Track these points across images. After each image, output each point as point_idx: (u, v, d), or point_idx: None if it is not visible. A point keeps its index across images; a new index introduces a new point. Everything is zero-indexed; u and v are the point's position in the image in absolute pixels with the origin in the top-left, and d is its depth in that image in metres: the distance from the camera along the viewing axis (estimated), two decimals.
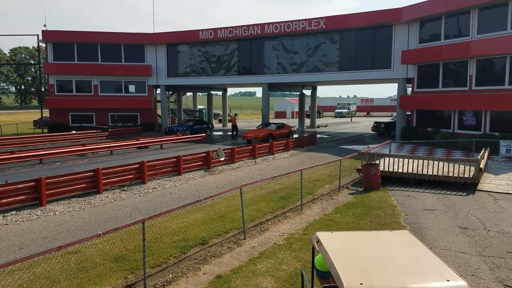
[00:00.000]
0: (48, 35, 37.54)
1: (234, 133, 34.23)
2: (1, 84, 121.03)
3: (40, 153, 20.79)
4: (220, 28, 36.41)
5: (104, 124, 37.53)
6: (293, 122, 51.71)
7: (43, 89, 71.96)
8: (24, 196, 12.04)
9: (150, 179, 16.18)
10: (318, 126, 47.09)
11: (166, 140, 28.25)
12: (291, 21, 33.35)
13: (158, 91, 41.32)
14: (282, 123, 31.48)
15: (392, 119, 36.24)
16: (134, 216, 11.41)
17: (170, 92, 43.77)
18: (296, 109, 61.61)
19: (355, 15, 31.04)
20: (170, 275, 7.54)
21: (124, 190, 14.51)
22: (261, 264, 8.04)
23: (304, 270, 5.75)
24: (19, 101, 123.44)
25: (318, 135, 31.50)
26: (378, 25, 30.26)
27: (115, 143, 25.50)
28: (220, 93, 49.87)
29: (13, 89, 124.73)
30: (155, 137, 30.12)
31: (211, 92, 48.99)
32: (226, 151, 20.22)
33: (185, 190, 14.75)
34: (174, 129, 34.00)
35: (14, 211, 11.58)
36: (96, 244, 8.53)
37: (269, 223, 10.84)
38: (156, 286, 7.12)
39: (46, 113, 42.74)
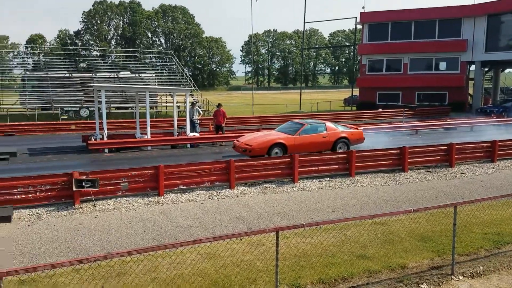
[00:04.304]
0: (365, 17, 39.93)
1: None
2: (320, 66, 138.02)
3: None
4: None
5: (410, 103, 37.36)
6: None
7: (354, 69, 77.65)
8: (337, 166, 13.38)
9: (458, 163, 15.08)
10: None
11: (477, 122, 25.65)
12: None
13: (472, 67, 37.78)
14: (323, 123, 16.73)
15: None
16: (439, 199, 11.00)
17: (486, 69, 39.27)
18: None
19: None
20: (481, 267, 6.92)
21: (429, 172, 14.11)
22: None
23: None
24: (333, 81, 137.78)
25: None
26: None
27: (421, 122, 25.10)
28: None
29: (328, 70, 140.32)
30: (464, 118, 27.85)
31: None
32: None
33: (499, 180, 13.08)
34: (487, 110, 30.57)
35: (328, 178, 13.06)
36: (401, 220, 8.67)
37: None
38: (465, 275, 6.69)
39: (355, 92, 46.07)
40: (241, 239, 7.28)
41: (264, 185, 12.14)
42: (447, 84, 37.12)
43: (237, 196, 11.20)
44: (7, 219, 9.02)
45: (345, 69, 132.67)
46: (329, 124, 16.79)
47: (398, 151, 14.19)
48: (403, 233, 8.20)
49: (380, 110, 33.93)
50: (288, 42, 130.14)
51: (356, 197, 11.30)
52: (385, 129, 23.05)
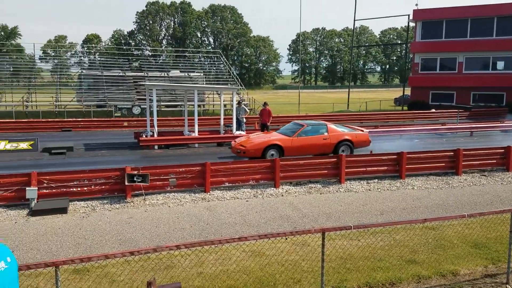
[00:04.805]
0: (418, 14, 38.65)
1: None
2: (369, 64, 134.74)
3: (400, 129, 22.04)
4: None
5: (465, 104, 35.74)
6: None
7: (406, 68, 75.39)
8: (385, 167, 13.05)
9: None
10: None
11: None
12: None
13: None
14: (325, 124, 15.73)
15: None
16: (494, 205, 10.46)
17: None
18: None
19: None
20: None
21: (484, 175, 13.45)
22: None
23: None
24: (382, 80, 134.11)
25: None
26: None
27: (476, 124, 23.98)
28: None
29: (378, 68, 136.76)
30: None
31: None
32: None
33: None
34: None
35: (376, 180, 12.75)
36: (453, 225, 8.33)
37: None
38: None
39: (406, 91, 44.63)
40: (286, 239, 7.28)
41: (310, 185, 12.05)
42: (505, 84, 35.16)
43: (282, 195, 11.18)
44: (63, 210, 9.53)
45: (396, 68, 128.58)
46: (331, 125, 15.82)
47: (452, 153, 13.63)
48: (455, 238, 7.86)
49: (433, 110, 32.71)
50: (336, 40, 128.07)
51: (406, 200, 10.96)
52: (438, 130, 22.23)
